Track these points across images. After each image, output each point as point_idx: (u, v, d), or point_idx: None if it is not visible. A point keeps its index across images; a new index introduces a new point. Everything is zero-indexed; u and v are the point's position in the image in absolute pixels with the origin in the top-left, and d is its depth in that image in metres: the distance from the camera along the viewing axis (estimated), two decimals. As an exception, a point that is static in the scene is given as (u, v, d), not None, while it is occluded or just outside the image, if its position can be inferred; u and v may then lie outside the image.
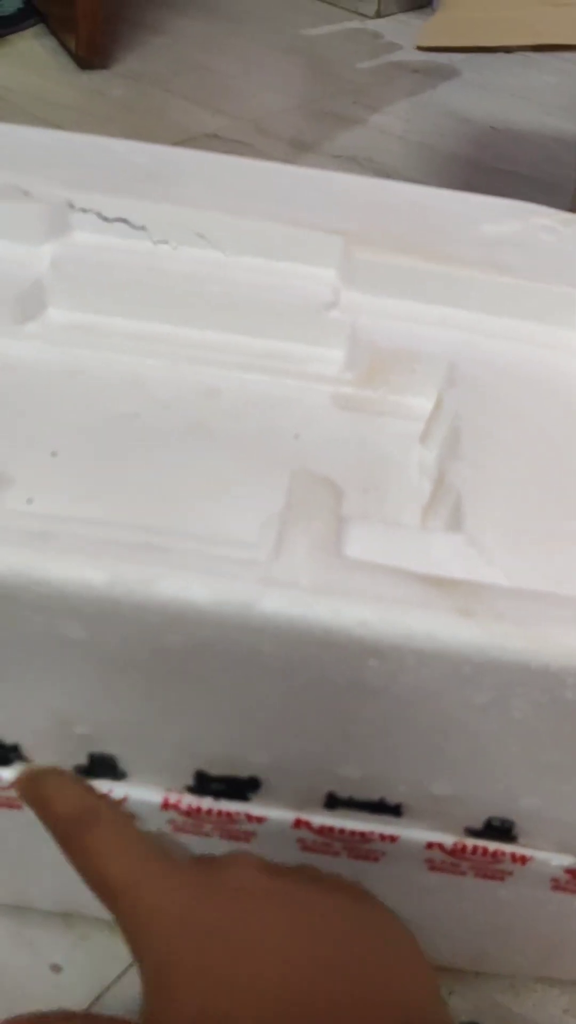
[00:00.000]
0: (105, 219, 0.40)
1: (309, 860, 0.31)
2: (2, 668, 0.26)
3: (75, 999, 0.33)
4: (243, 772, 0.28)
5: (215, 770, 0.29)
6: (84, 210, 0.40)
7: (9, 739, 0.28)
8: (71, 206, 0.40)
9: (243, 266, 0.40)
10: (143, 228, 0.40)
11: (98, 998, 0.34)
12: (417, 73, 1.27)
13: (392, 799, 0.29)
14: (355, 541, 0.28)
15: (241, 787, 0.29)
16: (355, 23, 1.42)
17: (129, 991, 0.33)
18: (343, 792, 0.29)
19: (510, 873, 0.31)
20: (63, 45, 1.18)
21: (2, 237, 0.39)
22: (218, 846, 0.31)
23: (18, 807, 0.30)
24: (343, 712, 0.26)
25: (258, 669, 0.25)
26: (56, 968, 0.35)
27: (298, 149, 1.01)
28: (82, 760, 0.29)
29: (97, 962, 0.35)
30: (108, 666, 0.26)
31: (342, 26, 1.40)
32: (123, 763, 0.29)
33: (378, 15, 1.45)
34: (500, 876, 0.31)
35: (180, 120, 1.03)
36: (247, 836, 0.30)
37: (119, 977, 0.34)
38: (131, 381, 0.37)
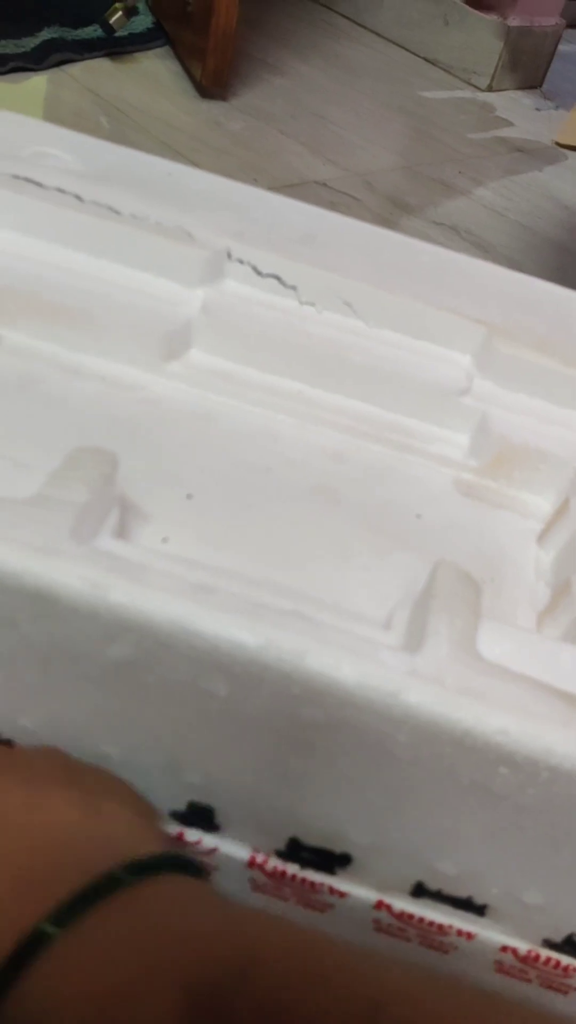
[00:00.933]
0: (259, 273, 0.41)
1: (381, 942, 0.31)
2: (134, 704, 0.27)
3: None
4: (338, 847, 0.29)
5: (310, 840, 0.29)
6: (240, 261, 0.41)
7: (117, 771, 0.29)
8: (228, 255, 0.41)
9: (383, 339, 0.41)
10: (294, 288, 0.41)
11: None
12: (522, 152, 1.29)
13: (480, 899, 0.29)
14: (490, 643, 0.28)
15: (331, 861, 0.29)
16: (467, 93, 1.45)
17: None
18: (433, 884, 0.29)
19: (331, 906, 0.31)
20: (187, 71, 1.21)
21: (161, 275, 0.40)
22: (293, 912, 0.31)
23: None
24: (460, 811, 0.26)
25: (387, 756, 0.26)
26: None
27: (401, 210, 1.03)
28: (180, 806, 0.29)
29: None
30: (239, 725, 0.26)
31: (454, 94, 1.43)
32: (220, 816, 0.29)
33: (490, 89, 1.48)
34: (565, 989, 0.31)
35: (292, 163, 1.05)
36: (324, 907, 0.31)
37: None
38: (264, 434, 0.38)
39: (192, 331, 0.39)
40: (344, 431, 0.39)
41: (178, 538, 0.32)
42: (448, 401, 0.40)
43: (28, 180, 0.41)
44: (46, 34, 0.80)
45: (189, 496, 0.34)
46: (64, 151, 0.44)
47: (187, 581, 0.26)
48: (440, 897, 0.29)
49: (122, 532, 0.30)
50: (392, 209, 1.01)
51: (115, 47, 0.89)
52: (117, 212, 0.41)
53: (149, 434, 0.35)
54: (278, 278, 0.41)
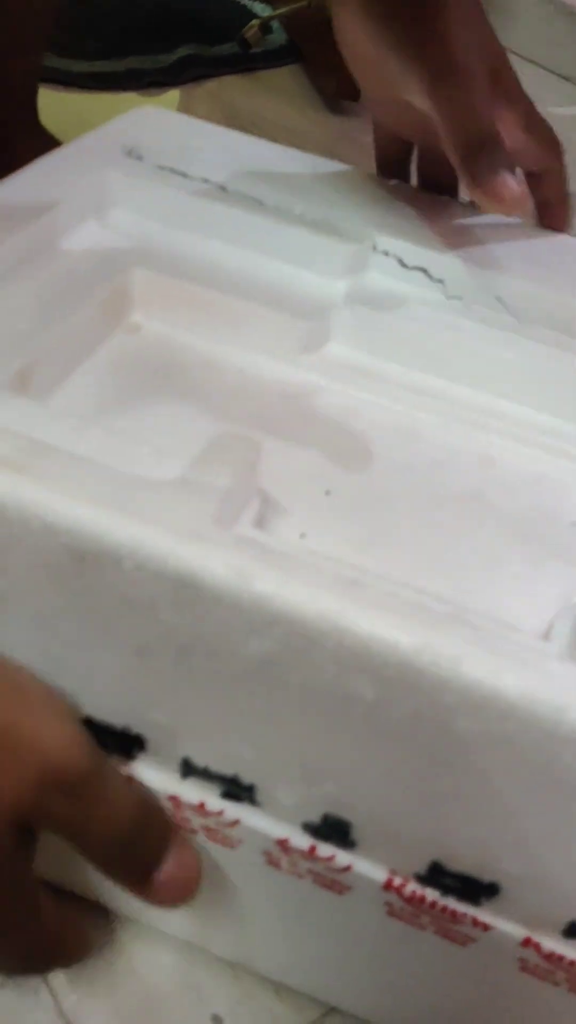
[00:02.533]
0: (404, 266, 0.39)
1: (526, 984, 0.28)
2: (272, 704, 0.25)
3: None
4: (485, 876, 0.26)
5: (454, 865, 0.26)
6: (386, 253, 0.39)
7: (248, 779, 0.27)
8: (374, 247, 0.39)
9: (537, 336, 0.38)
10: (441, 282, 0.39)
11: None
12: None
13: None
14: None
15: (477, 890, 0.27)
16: (604, 108, 1.40)
17: None
18: (591, 924, 0.26)
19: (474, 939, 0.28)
20: (317, 87, 1.20)
21: (304, 267, 0.38)
22: (430, 941, 0.28)
23: (232, 846, 0.29)
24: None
25: (550, 778, 0.23)
26: (217, 1020, 0.33)
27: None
28: (314, 818, 0.27)
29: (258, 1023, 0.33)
30: (384, 734, 0.24)
31: (590, 110, 1.38)
32: (356, 832, 0.27)
33: (628, 103, 1.43)
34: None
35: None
36: (466, 940, 0.28)
37: None
38: (406, 432, 0.36)
39: (333, 324, 0.38)
40: (493, 433, 0.36)
41: (316, 535, 0.30)
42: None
43: (173, 171, 0.40)
44: (183, 51, 0.81)
45: (328, 492, 0.32)
46: (209, 144, 0.43)
47: (337, 575, 0.24)
48: None
49: (260, 523, 0.29)
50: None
51: (249, 64, 0.89)
52: (261, 203, 0.40)
53: (286, 428, 0.34)
54: (425, 271, 0.40)
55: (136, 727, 0.28)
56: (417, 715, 0.24)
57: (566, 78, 1.28)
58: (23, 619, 0.26)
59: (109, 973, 0.32)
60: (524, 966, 0.28)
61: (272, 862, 0.29)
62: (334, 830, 0.27)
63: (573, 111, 1.26)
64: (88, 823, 0.24)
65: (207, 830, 0.29)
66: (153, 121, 0.44)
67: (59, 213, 0.37)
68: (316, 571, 0.24)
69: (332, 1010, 0.34)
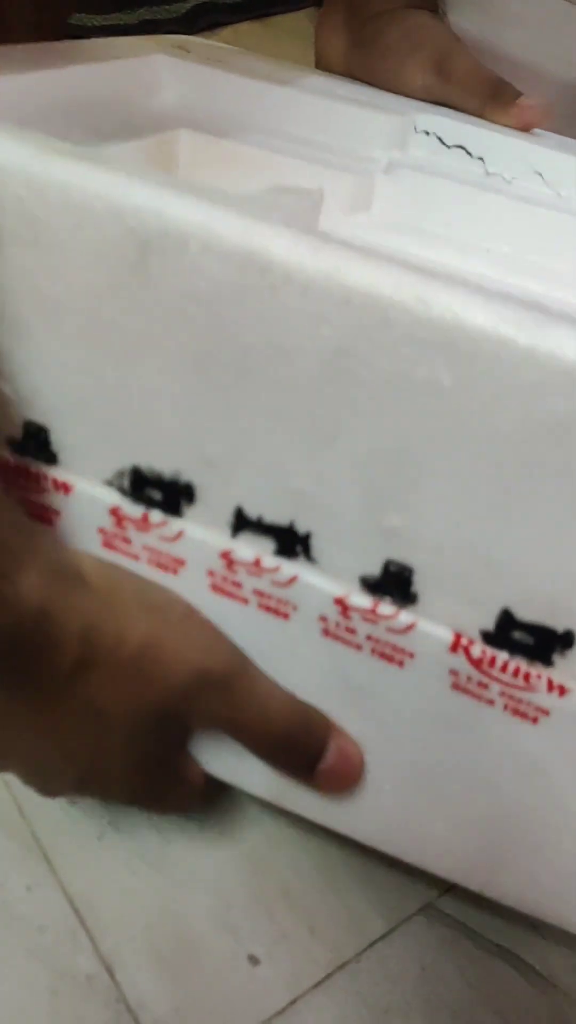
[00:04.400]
0: (445, 144, 0.40)
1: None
2: (337, 418, 0.23)
3: (271, 995, 0.31)
4: (561, 622, 0.24)
5: (526, 614, 0.24)
6: (427, 132, 0.40)
7: (304, 527, 0.25)
8: (415, 128, 0.40)
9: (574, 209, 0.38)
10: (481, 159, 0.40)
11: (294, 1001, 0.31)
12: None
13: None
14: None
15: (550, 643, 0.25)
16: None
17: (326, 1000, 0.31)
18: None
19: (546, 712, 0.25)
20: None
21: (348, 138, 0.39)
22: (502, 720, 0.26)
23: (287, 615, 0.27)
24: None
25: None
26: (254, 960, 0.32)
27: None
28: (375, 568, 0.25)
29: (297, 963, 0.32)
30: (461, 434, 0.23)
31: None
32: (420, 582, 0.25)
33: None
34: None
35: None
36: (537, 715, 0.26)
37: (316, 985, 0.31)
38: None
39: (377, 187, 0.38)
40: (536, 282, 0.36)
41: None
42: None
43: (218, 62, 0.41)
44: (194, 1, 0.83)
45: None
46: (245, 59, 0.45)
47: (408, 259, 0.23)
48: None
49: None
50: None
51: (265, 8, 0.90)
52: (305, 87, 0.41)
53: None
54: (464, 148, 0.40)
55: (187, 473, 0.26)
56: (497, 398, 0.22)
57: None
58: (76, 334, 0.25)
59: (145, 916, 0.32)
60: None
61: (328, 632, 0.27)
62: (395, 581, 0.26)
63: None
64: (245, 718, 0.27)
65: (260, 595, 0.27)
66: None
67: (117, 75, 0.38)
68: (387, 255, 0.23)
69: (366, 950, 0.32)
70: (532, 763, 0.27)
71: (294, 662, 0.28)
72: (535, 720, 0.26)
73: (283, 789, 0.30)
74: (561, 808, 0.27)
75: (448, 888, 0.34)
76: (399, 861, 0.30)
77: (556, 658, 0.25)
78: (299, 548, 0.26)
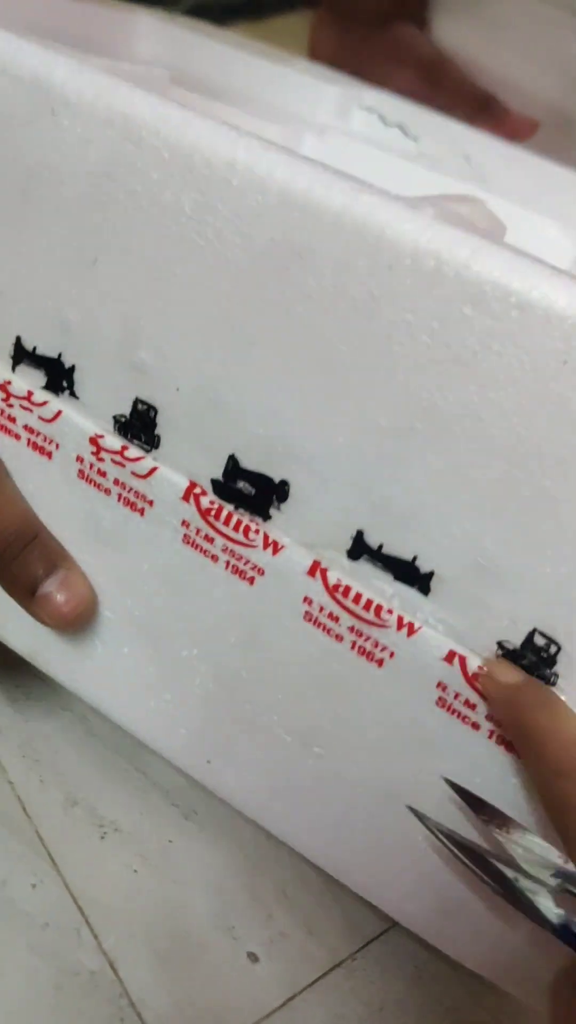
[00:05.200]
0: (384, 122, 0.42)
1: (312, 638, 0.26)
2: (98, 237, 0.25)
3: (269, 992, 0.31)
4: (279, 471, 0.25)
5: (250, 461, 0.25)
6: (369, 109, 0.42)
7: (69, 359, 0.27)
8: (359, 103, 0.42)
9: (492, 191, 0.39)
10: (416, 139, 0.42)
11: (292, 998, 0.31)
12: None
13: (427, 562, 0.24)
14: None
15: (268, 495, 0.25)
16: None
17: (323, 997, 0.31)
18: (375, 534, 0.24)
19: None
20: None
21: (293, 102, 0.41)
22: (227, 582, 0.26)
23: (50, 454, 0.28)
24: (417, 384, 0.22)
25: (344, 298, 0.22)
26: (253, 957, 0.32)
27: None
28: (125, 407, 0.26)
29: (295, 962, 0.32)
30: (196, 256, 0.24)
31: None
32: (162, 423, 0.26)
33: None
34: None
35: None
36: (254, 574, 0.26)
37: (314, 983, 0.32)
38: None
39: (302, 145, 0.40)
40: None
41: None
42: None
43: (206, 29, 0.45)
44: (191, 1, 0.85)
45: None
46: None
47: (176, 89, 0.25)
48: (380, 557, 0.24)
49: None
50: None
51: (259, 11, 0.92)
52: (265, 53, 0.44)
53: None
54: (402, 128, 0.42)
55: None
56: (227, 224, 0.24)
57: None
58: None
59: (147, 914, 0.32)
60: (308, 613, 0.26)
61: (83, 474, 0.28)
62: (142, 420, 0.27)
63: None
64: None
65: (29, 432, 0.29)
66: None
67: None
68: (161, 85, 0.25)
69: (362, 949, 0.33)
70: (250, 629, 0.27)
71: (54, 503, 0.29)
72: (251, 581, 0.26)
73: (37, 645, 0.31)
74: (276, 683, 0.27)
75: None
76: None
77: (273, 511, 0.25)
78: (64, 383, 0.28)
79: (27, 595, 0.28)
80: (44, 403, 0.28)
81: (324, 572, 0.25)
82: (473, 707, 0.24)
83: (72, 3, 0.43)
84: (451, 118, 0.42)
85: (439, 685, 0.24)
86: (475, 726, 0.24)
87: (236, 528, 0.26)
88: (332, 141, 0.40)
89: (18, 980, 0.30)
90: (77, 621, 0.28)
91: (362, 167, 0.36)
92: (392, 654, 0.25)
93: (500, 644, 0.23)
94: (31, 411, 0.28)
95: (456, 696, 0.24)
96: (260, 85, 0.42)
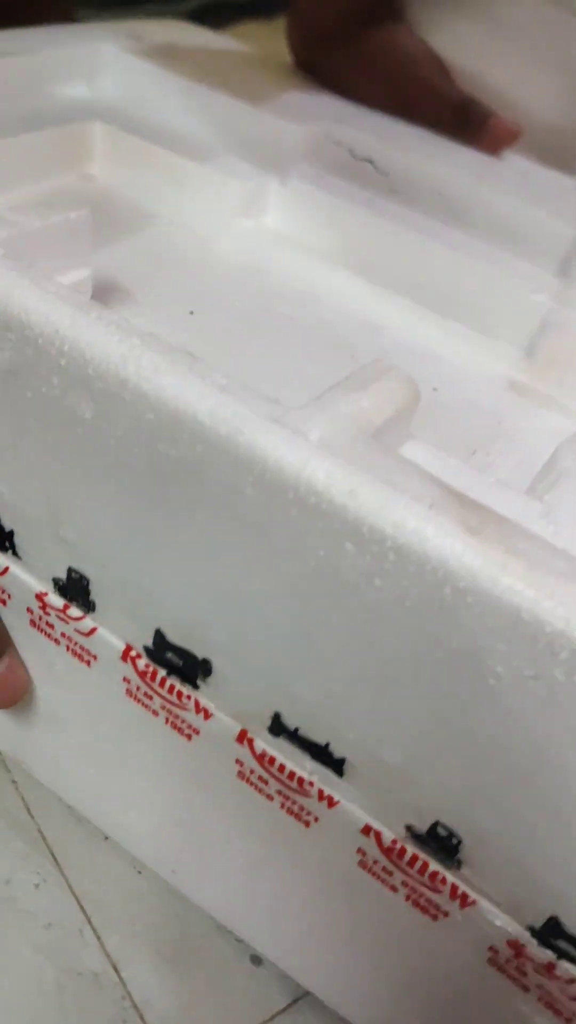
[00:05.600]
0: (354, 156, 0.40)
1: (241, 798, 0.27)
2: (13, 429, 0.26)
3: (273, 994, 0.32)
4: (200, 650, 0.26)
5: (174, 636, 0.26)
6: (338, 143, 0.40)
7: (8, 523, 0.28)
8: (327, 136, 0.40)
9: (462, 241, 0.38)
10: (387, 174, 0.40)
11: (295, 1001, 0.32)
12: None
13: (339, 750, 0.25)
14: (410, 450, 0.25)
15: (194, 669, 0.26)
16: None
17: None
18: (292, 718, 0.25)
19: (446, 913, 0.25)
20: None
21: (258, 146, 0.40)
22: (163, 733, 0.28)
23: (3, 603, 0.29)
24: (308, 600, 0.23)
25: (234, 514, 0.23)
26: (256, 960, 0.33)
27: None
28: (62, 572, 0.27)
29: None
30: (103, 462, 0.24)
31: None
32: (95, 591, 0.27)
33: None
34: (434, 911, 0.25)
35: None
36: (191, 732, 0.27)
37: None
38: (304, 294, 0.36)
39: (269, 199, 0.39)
40: (395, 307, 0.36)
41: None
42: (517, 299, 0.36)
43: (165, 51, 0.43)
44: (196, 1, 0.82)
45: (191, 312, 0.33)
46: (209, 45, 0.46)
47: (81, 303, 0.25)
48: (298, 739, 0.25)
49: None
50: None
51: (270, 8, 0.88)
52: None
53: (192, 268, 0.35)
54: (372, 162, 0.40)
55: None
56: (127, 435, 0.24)
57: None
58: None
59: (150, 915, 0.33)
60: (241, 771, 0.27)
61: (34, 623, 0.29)
62: (76, 587, 0.28)
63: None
64: None
65: (-19, 582, 0.30)
66: (160, 24, 0.47)
67: (50, 66, 0.40)
68: (57, 290, 0.25)
69: None
70: (192, 776, 0.29)
71: (15, 638, 0.31)
72: (189, 737, 0.28)
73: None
74: (218, 821, 0.29)
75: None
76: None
77: (200, 683, 0.27)
78: (6, 543, 0.29)
79: None
80: (-10, 559, 0.29)
81: (251, 741, 0.26)
82: (391, 873, 0.26)
83: (34, 29, 0.41)
84: (420, 150, 0.40)
85: (359, 851, 0.26)
86: (393, 888, 0.26)
87: (170, 692, 0.27)
88: (296, 187, 0.39)
89: (21, 980, 0.30)
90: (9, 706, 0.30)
91: (324, 217, 0.36)
92: (316, 818, 0.26)
93: (408, 828, 0.24)
94: (-23, 567, 0.30)
95: (375, 862, 0.26)
96: (227, 127, 0.41)
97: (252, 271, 0.37)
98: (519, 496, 0.25)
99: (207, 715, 0.27)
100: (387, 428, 0.24)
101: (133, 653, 0.27)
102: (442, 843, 0.24)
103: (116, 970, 0.32)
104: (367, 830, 0.25)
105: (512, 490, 0.25)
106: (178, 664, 0.27)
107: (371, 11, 0.45)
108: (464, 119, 0.40)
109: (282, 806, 0.27)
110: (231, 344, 0.32)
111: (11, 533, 0.28)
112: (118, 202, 0.39)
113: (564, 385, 0.35)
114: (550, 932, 0.24)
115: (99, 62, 0.43)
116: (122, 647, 0.28)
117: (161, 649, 0.27)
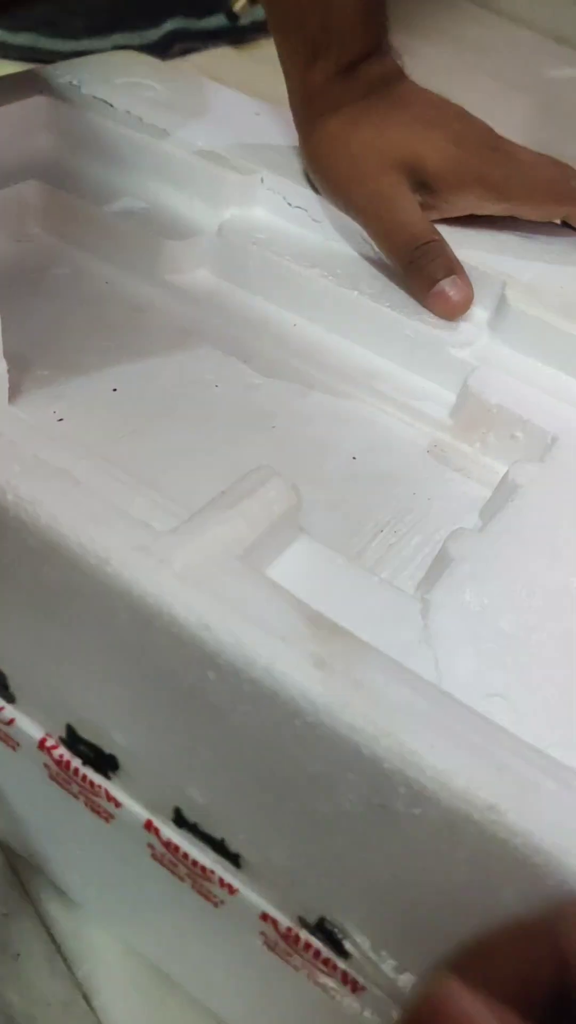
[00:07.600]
0: (289, 204, 0.40)
1: (157, 875, 0.29)
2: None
3: None
4: (106, 746, 0.27)
5: (84, 732, 0.27)
6: (272, 190, 0.40)
7: None
8: (262, 181, 0.40)
9: (389, 297, 0.38)
10: (319, 222, 0.40)
11: None
12: None
13: (233, 846, 0.26)
14: (290, 556, 0.25)
15: (103, 762, 0.27)
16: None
17: None
18: (190, 814, 0.26)
19: (342, 994, 0.26)
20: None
21: (193, 195, 0.40)
22: (82, 815, 0.29)
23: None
24: (184, 718, 0.24)
25: (111, 635, 0.24)
26: None
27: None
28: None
29: None
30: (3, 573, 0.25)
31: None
32: (13, 684, 0.28)
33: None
34: (331, 992, 0.27)
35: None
36: (107, 816, 0.29)
37: None
38: (236, 357, 0.37)
39: (203, 251, 0.39)
40: (324, 370, 0.37)
41: (73, 420, 0.32)
42: (441, 354, 0.36)
43: (105, 102, 0.43)
44: (170, 25, 0.81)
45: (115, 389, 0.34)
46: (156, 83, 0.46)
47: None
48: (198, 832, 0.27)
49: (15, 394, 0.31)
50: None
51: (238, 35, 0.87)
52: (167, 133, 0.42)
53: (122, 337, 0.36)
54: (306, 211, 0.40)
55: None
56: (17, 559, 0.25)
57: (560, 40, 1.15)
58: None
59: (118, 945, 0.34)
60: (153, 853, 0.29)
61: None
62: (-2, 683, 0.29)
63: (569, 74, 1.12)
64: None
65: None
66: (112, 60, 0.47)
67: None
68: None
69: None
70: (113, 853, 0.30)
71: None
72: (107, 820, 0.29)
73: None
74: (146, 894, 0.32)
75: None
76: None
77: (111, 774, 0.28)
78: None
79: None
80: None
81: (157, 830, 0.28)
82: (291, 955, 0.27)
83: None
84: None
85: (261, 933, 0.27)
86: (296, 968, 0.27)
87: (83, 780, 0.29)
88: (232, 240, 0.39)
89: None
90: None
91: (263, 258, 0.36)
92: (222, 901, 0.28)
93: (300, 919, 0.26)
94: None
95: (276, 944, 0.27)
96: (165, 180, 0.41)
97: (178, 334, 0.37)
98: (399, 597, 0.26)
99: (117, 804, 0.28)
100: (261, 543, 0.25)
101: (50, 743, 0.29)
102: (330, 937, 0.25)
103: (87, 999, 0.32)
104: (265, 916, 0.27)
105: (394, 590, 0.26)
106: (90, 756, 0.28)
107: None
108: (415, 273, 0.37)
109: (193, 886, 0.28)
110: (150, 426, 0.33)
111: None
112: (51, 259, 0.39)
113: (486, 444, 0.35)
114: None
115: (33, 116, 0.43)
116: (40, 736, 0.29)
117: (74, 742, 0.28)
